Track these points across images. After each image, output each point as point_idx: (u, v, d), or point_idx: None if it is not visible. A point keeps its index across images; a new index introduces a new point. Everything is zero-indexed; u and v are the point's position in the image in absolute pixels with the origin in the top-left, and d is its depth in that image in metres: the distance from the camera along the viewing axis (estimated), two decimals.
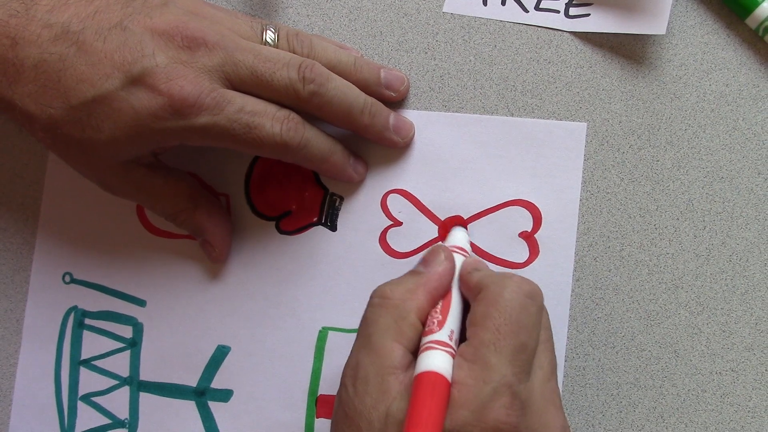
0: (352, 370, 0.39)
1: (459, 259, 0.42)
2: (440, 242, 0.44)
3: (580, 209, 0.47)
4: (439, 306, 0.40)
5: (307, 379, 0.48)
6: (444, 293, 0.41)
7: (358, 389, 0.38)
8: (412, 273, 0.41)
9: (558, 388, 0.40)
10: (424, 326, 0.39)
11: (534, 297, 0.39)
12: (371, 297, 0.40)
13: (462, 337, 0.40)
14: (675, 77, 0.48)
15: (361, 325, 0.40)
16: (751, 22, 0.47)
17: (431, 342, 0.38)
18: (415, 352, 0.38)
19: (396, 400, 0.37)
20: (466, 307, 0.41)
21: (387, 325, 0.39)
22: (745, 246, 0.46)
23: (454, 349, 0.38)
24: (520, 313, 0.38)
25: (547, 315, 0.41)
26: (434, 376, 0.36)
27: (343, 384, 0.39)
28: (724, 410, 0.45)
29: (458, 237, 0.45)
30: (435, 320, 0.39)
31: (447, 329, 0.38)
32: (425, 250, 0.43)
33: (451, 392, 0.36)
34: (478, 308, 0.39)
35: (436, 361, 0.37)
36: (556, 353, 0.41)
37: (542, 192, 0.47)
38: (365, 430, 0.37)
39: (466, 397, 0.36)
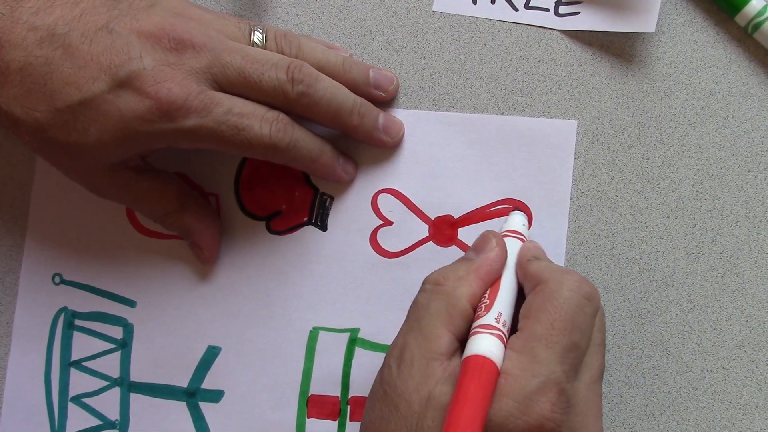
0: (398, 351, 0.39)
1: (516, 244, 0.42)
2: (491, 230, 0.44)
3: (570, 208, 0.47)
4: (488, 291, 0.40)
5: (297, 379, 0.48)
6: (496, 279, 0.40)
7: (402, 370, 0.38)
8: (464, 260, 0.42)
9: (601, 392, 0.40)
10: (475, 312, 0.39)
11: (591, 299, 0.39)
12: (423, 283, 0.41)
13: (514, 326, 0.40)
14: (665, 75, 0.47)
15: (411, 308, 0.40)
16: (740, 19, 0.47)
17: (479, 327, 0.38)
18: (464, 341, 0.39)
19: (439, 383, 0.37)
20: (519, 292, 0.41)
21: (438, 310, 0.39)
22: (735, 243, 0.46)
23: (501, 330, 0.38)
24: (576, 312, 0.38)
25: (603, 320, 0.41)
26: (481, 360, 0.36)
27: (386, 364, 0.39)
28: (716, 408, 0.46)
29: (516, 221, 0.45)
30: (483, 305, 0.39)
31: (494, 312, 0.38)
32: (478, 237, 0.43)
33: (498, 381, 0.36)
34: (534, 301, 0.39)
35: (483, 344, 0.37)
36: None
37: (533, 190, 0.47)
38: (403, 410, 0.37)
39: (512, 387, 0.36)
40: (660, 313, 0.46)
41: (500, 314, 0.38)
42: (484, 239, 0.42)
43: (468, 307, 0.39)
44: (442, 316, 0.39)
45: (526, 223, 0.45)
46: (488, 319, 0.38)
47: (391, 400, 0.38)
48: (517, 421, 0.35)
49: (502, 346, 0.37)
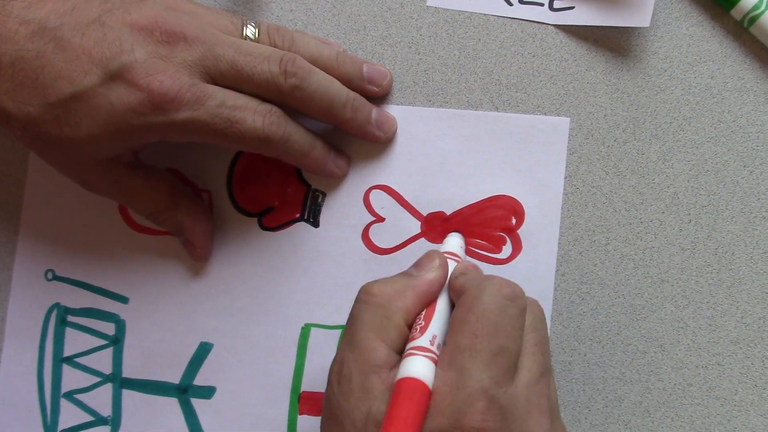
0: (337, 367, 0.38)
1: (452, 265, 0.42)
2: (436, 249, 0.43)
3: (565, 203, 0.47)
4: (423, 312, 0.39)
5: (289, 376, 0.48)
6: (432, 300, 0.40)
7: (342, 387, 0.37)
8: (404, 274, 0.41)
9: (549, 391, 0.38)
10: (409, 330, 0.39)
11: (515, 299, 0.38)
12: (359, 293, 0.40)
13: None
14: (660, 70, 0.47)
15: (347, 321, 0.40)
16: (735, 13, 0.46)
17: (412, 348, 0.37)
18: (401, 353, 0.38)
19: (377, 401, 0.36)
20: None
21: (371, 322, 0.38)
22: (730, 239, 0.46)
23: (436, 354, 0.37)
24: (499, 316, 0.37)
25: (539, 317, 0.40)
26: (412, 383, 0.35)
27: (329, 381, 0.39)
28: (710, 404, 0.45)
29: (452, 242, 0.45)
30: (418, 326, 0.38)
31: (429, 334, 0.38)
32: (422, 255, 0.42)
33: (429, 401, 0.36)
34: (457, 313, 0.38)
35: (414, 366, 0.36)
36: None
37: (525, 187, 0.47)
38: (348, 428, 0.36)
39: (442, 403, 0.35)
40: (655, 309, 0.46)
41: (435, 336, 0.38)
42: (428, 258, 0.41)
43: (402, 322, 0.39)
44: (375, 329, 0.38)
45: (463, 245, 0.45)
46: (422, 341, 0.37)
47: (336, 418, 0.37)
48: None
49: (434, 367, 0.37)
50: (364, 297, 0.39)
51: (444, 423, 0.35)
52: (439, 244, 0.47)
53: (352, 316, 0.39)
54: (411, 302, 0.39)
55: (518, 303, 0.38)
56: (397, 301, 0.39)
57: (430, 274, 0.40)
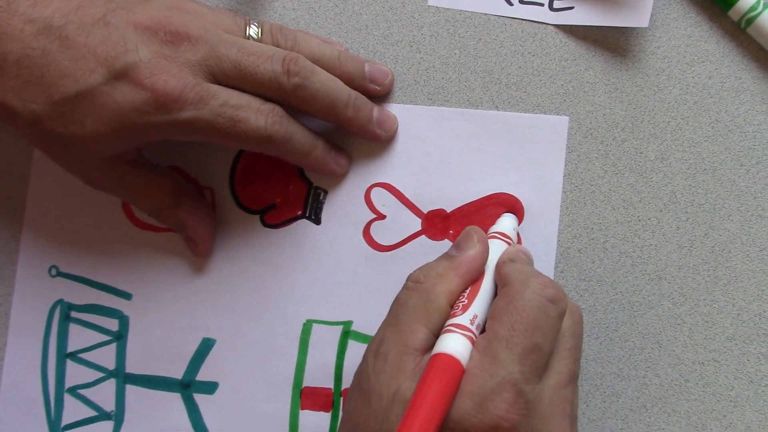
0: (375, 345, 0.39)
1: (501, 246, 0.42)
2: (473, 226, 0.43)
3: (564, 201, 0.47)
4: (467, 290, 0.40)
5: (291, 371, 0.48)
6: (476, 277, 0.40)
7: (377, 364, 0.38)
8: (445, 256, 0.42)
9: (574, 397, 0.39)
10: (452, 309, 0.39)
11: (556, 301, 0.38)
12: (406, 281, 0.41)
13: None
14: (658, 70, 0.48)
15: (392, 305, 0.41)
16: (733, 14, 0.47)
17: (451, 325, 0.38)
18: None
19: (408, 380, 0.37)
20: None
21: (415, 306, 0.39)
22: (727, 237, 0.46)
23: (473, 332, 0.38)
24: (539, 314, 0.38)
25: (578, 323, 0.40)
26: (446, 359, 0.36)
27: (364, 357, 0.39)
28: (707, 400, 0.46)
29: (503, 223, 0.45)
30: (460, 304, 0.39)
31: (470, 313, 0.38)
32: (461, 234, 0.42)
33: (461, 380, 0.36)
34: (499, 302, 0.39)
35: (451, 343, 0.37)
36: None
37: (525, 185, 0.47)
38: (374, 403, 0.37)
39: (471, 386, 0.36)
40: (652, 306, 0.46)
41: (476, 316, 0.38)
42: (466, 236, 0.42)
43: (445, 304, 0.39)
44: (418, 312, 0.39)
45: (516, 227, 0.45)
46: (462, 319, 0.38)
47: (365, 393, 0.38)
48: (473, 419, 0.35)
49: (470, 346, 0.37)
50: (410, 284, 0.40)
51: (469, 406, 0.36)
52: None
53: (398, 300, 0.40)
54: (454, 282, 0.40)
55: (559, 306, 0.39)
56: (440, 284, 0.40)
57: (471, 252, 0.41)
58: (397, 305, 0.40)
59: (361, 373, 0.39)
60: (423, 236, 0.48)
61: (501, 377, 0.36)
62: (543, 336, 0.37)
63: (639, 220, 0.47)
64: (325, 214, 0.49)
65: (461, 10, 0.49)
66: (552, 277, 0.47)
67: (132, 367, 0.49)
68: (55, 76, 0.42)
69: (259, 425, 0.48)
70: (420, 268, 0.41)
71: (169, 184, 0.47)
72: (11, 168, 0.51)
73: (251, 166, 0.49)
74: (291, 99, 0.45)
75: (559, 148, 0.47)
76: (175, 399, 0.49)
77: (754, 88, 0.47)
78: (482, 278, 0.41)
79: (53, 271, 0.50)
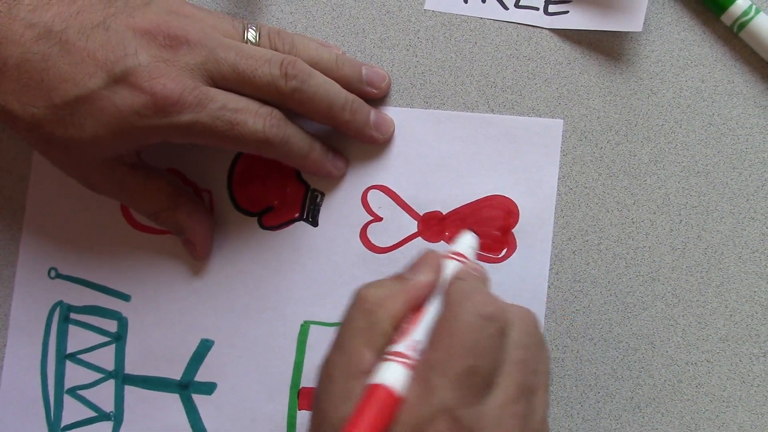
0: (324, 368, 0.38)
1: (456, 267, 0.41)
2: (433, 251, 0.41)
3: (559, 204, 0.48)
4: (412, 315, 0.38)
5: (289, 372, 0.48)
6: (421, 303, 0.39)
7: (326, 388, 0.37)
8: (396, 277, 0.40)
9: (530, 412, 0.37)
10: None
11: (494, 319, 0.37)
12: (352, 296, 0.39)
13: None
14: (652, 73, 0.48)
15: (341, 322, 0.39)
16: (726, 19, 0.47)
17: (389, 354, 0.36)
18: None
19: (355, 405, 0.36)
20: None
21: (359, 328, 0.38)
22: (720, 239, 0.47)
23: (414, 360, 0.36)
24: (474, 335, 0.36)
25: (530, 333, 0.38)
26: (380, 389, 0.35)
27: (317, 380, 0.38)
28: (700, 400, 0.46)
29: (461, 242, 0.43)
30: (404, 329, 0.37)
31: (412, 339, 0.37)
32: (419, 257, 0.41)
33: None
34: (436, 326, 0.37)
35: (387, 373, 0.35)
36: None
37: (520, 187, 0.48)
38: (326, 428, 0.36)
39: (407, 416, 0.35)
40: (646, 307, 0.47)
41: (418, 342, 0.37)
42: (422, 260, 0.40)
43: (389, 327, 0.37)
44: (363, 334, 0.37)
45: (475, 245, 0.43)
46: (402, 346, 0.37)
47: (317, 417, 0.37)
48: None
49: (408, 373, 0.36)
50: (355, 301, 0.39)
51: None
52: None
53: (344, 320, 0.39)
54: (400, 307, 0.38)
55: (497, 323, 0.37)
56: (387, 307, 0.38)
57: (422, 277, 0.39)
58: (343, 325, 0.38)
59: (316, 395, 0.38)
60: (419, 238, 0.48)
61: (435, 406, 0.35)
62: (481, 357, 0.36)
63: (633, 222, 0.47)
64: (323, 216, 0.49)
65: (457, 14, 0.50)
66: (547, 280, 0.47)
67: (131, 368, 0.50)
68: (55, 80, 0.42)
69: (257, 425, 0.48)
70: (369, 285, 0.39)
71: (167, 186, 0.47)
72: (11, 170, 0.52)
73: (249, 168, 0.50)
74: (289, 102, 0.45)
75: (553, 150, 0.48)
76: (173, 399, 0.49)
77: (746, 91, 0.48)
78: (427, 303, 0.39)
79: (52, 273, 0.51)
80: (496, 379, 0.36)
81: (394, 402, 0.35)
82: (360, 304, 0.38)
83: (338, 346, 0.38)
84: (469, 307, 0.37)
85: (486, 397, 0.36)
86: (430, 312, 0.38)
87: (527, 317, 0.39)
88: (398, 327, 0.38)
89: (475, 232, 0.46)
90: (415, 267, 0.40)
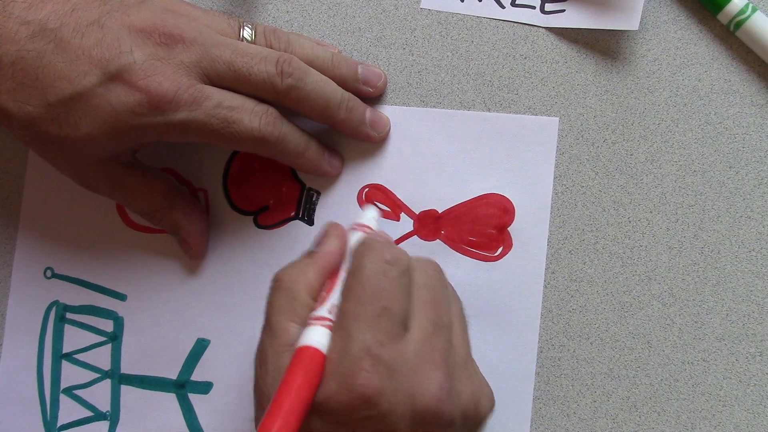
0: (258, 352, 0.40)
1: (361, 236, 0.43)
2: (331, 221, 0.44)
3: (555, 202, 0.48)
4: (327, 282, 0.41)
5: None
6: (335, 270, 0.41)
7: (261, 369, 0.39)
8: (306, 254, 0.42)
9: (449, 345, 0.39)
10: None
11: (395, 262, 0.39)
12: (271, 281, 0.41)
13: None
14: (648, 72, 0.48)
15: (265, 308, 0.41)
16: (722, 17, 0.47)
17: (311, 319, 0.38)
18: None
19: None
20: None
21: (280, 306, 0.40)
22: (716, 238, 0.47)
23: (332, 321, 0.39)
24: (379, 279, 0.38)
25: (434, 275, 0.41)
26: (305, 350, 0.37)
27: (255, 366, 0.40)
28: (696, 399, 0.46)
29: (366, 216, 0.45)
30: (320, 297, 0.40)
31: (328, 304, 0.39)
32: (320, 230, 0.43)
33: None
34: (347, 280, 0.39)
35: (309, 335, 0.37)
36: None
37: (516, 186, 0.48)
38: (265, 406, 0.37)
39: (332, 368, 0.37)
40: (642, 306, 0.47)
41: (334, 305, 0.39)
42: (323, 232, 0.43)
43: (307, 298, 0.40)
44: (285, 311, 0.39)
45: (377, 216, 0.45)
46: (321, 310, 0.39)
47: (259, 400, 0.39)
48: (340, 397, 0.36)
49: (329, 333, 0.38)
50: (273, 284, 0.41)
51: (334, 386, 0.36)
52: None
53: (267, 304, 0.41)
54: (313, 277, 0.40)
55: (399, 265, 0.39)
56: (301, 281, 0.40)
57: (327, 246, 0.42)
58: (267, 308, 0.40)
59: (255, 384, 0.40)
60: (415, 236, 0.48)
61: (355, 349, 0.36)
62: (389, 298, 0.38)
63: (629, 222, 0.47)
64: (318, 215, 0.49)
65: (453, 13, 0.50)
66: (543, 279, 0.47)
67: (127, 367, 0.50)
68: (50, 78, 0.42)
69: (254, 424, 0.48)
70: (282, 268, 0.41)
71: (162, 186, 0.47)
72: (6, 169, 0.52)
73: (244, 167, 0.50)
74: (284, 100, 0.45)
75: (549, 149, 0.48)
76: (170, 399, 0.49)
77: (743, 90, 0.48)
78: (340, 269, 0.41)
79: (48, 273, 0.51)
80: (409, 321, 0.39)
81: (320, 359, 0.37)
82: (278, 285, 0.40)
83: (266, 329, 0.40)
84: (372, 256, 0.39)
85: (404, 336, 0.38)
86: (344, 276, 0.40)
87: (428, 262, 0.41)
88: (317, 297, 0.40)
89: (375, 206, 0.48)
90: (320, 239, 0.42)
